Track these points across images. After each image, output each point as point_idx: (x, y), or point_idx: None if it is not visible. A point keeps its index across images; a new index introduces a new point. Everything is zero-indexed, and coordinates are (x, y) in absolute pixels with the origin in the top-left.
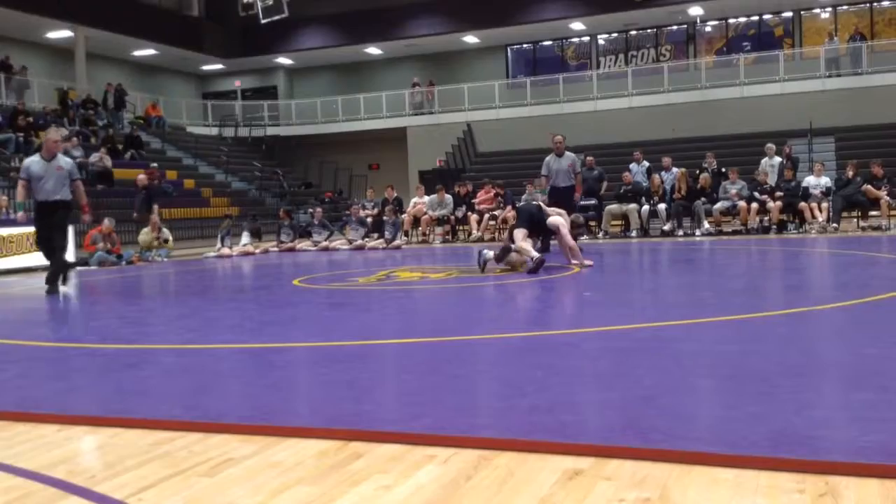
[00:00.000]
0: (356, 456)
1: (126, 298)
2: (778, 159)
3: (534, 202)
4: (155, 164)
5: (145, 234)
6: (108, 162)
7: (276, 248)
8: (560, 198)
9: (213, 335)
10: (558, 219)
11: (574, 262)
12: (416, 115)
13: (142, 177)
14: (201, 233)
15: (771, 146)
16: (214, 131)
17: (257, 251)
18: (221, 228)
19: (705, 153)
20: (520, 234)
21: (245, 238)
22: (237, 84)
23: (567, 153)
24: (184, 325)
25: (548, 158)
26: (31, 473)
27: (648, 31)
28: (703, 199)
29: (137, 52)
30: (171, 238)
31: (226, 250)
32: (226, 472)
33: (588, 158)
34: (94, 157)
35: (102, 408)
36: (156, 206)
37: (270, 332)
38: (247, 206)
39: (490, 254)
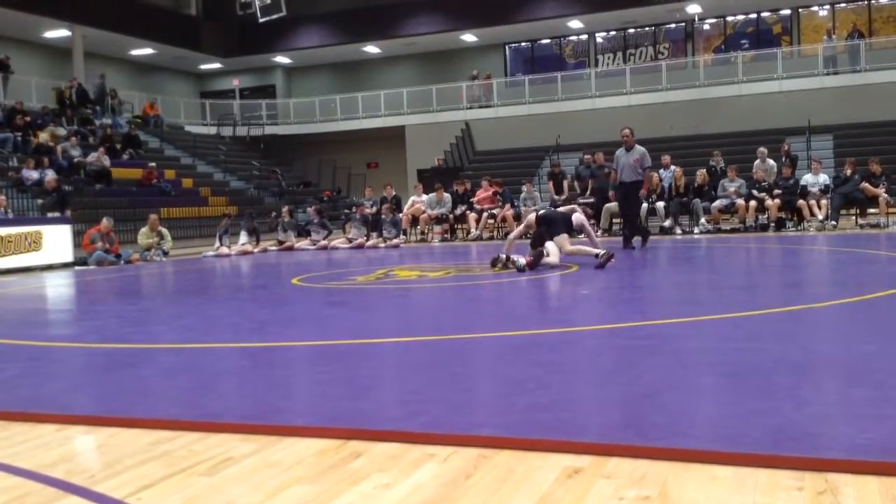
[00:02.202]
0: (355, 455)
1: (125, 298)
2: (770, 162)
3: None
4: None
5: (144, 236)
6: (107, 161)
7: (274, 248)
8: (626, 193)
9: (212, 334)
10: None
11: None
12: (414, 113)
13: (50, 178)
14: (199, 232)
15: (763, 150)
16: (213, 130)
17: (256, 250)
18: (220, 227)
19: (710, 150)
20: (565, 240)
21: (243, 237)
22: (236, 83)
23: (637, 147)
24: (182, 324)
25: (617, 152)
26: (30, 473)
27: (646, 28)
28: (699, 196)
29: (135, 52)
30: (169, 237)
31: (224, 249)
32: (225, 471)
33: (597, 154)
34: (91, 157)
35: (101, 407)
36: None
37: (269, 331)
38: (245, 205)
39: (522, 261)
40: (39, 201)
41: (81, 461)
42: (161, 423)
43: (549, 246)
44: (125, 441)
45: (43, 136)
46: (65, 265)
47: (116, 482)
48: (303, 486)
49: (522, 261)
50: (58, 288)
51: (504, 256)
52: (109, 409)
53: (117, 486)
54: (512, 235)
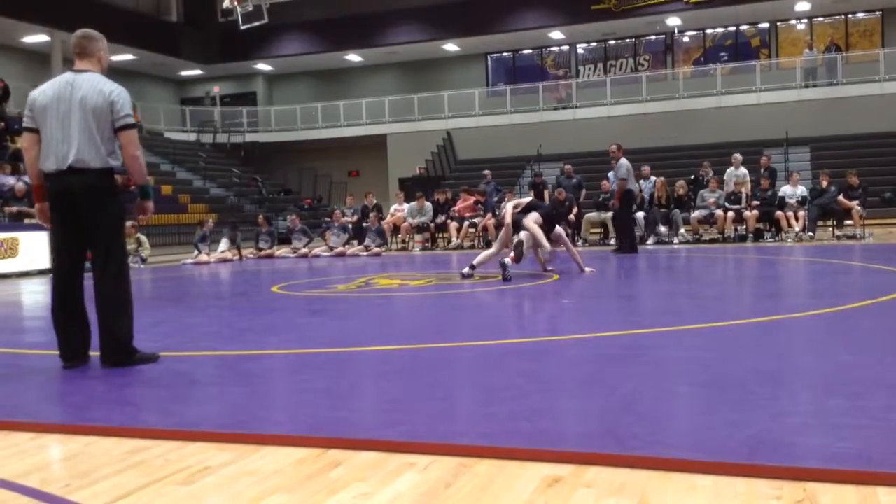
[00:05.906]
0: (335, 464)
1: None
2: (743, 170)
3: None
4: None
5: None
6: None
7: (251, 256)
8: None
9: (191, 342)
10: (533, 227)
11: (549, 268)
12: (396, 122)
13: (20, 185)
14: (179, 239)
15: (737, 156)
16: (192, 137)
17: (235, 258)
18: (196, 234)
19: (689, 161)
20: (532, 219)
21: (223, 245)
22: (216, 90)
23: (621, 160)
24: (160, 331)
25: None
26: (4, 482)
27: (627, 40)
28: (680, 207)
29: (115, 57)
30: (147, 244)
31: (204, 257)
32: (202, 480)
33: (566, 167)
34: None
35: (77, 416)
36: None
37: (248, 339)
38: (225, 212)
39: (508, 260)
40: (13, 209)
41: (56, 470)
42: (137, 431)
43: (522, 234)
44: (101, 450)
45: (20, 142)
46: (41, 272)
47: (92, 491)
48: (281, 495)
49: (508, 260)
50: (33, 295)
51: (470, 269)
52: (85, 417)
53: (93, 496)
54: (487, 253)
